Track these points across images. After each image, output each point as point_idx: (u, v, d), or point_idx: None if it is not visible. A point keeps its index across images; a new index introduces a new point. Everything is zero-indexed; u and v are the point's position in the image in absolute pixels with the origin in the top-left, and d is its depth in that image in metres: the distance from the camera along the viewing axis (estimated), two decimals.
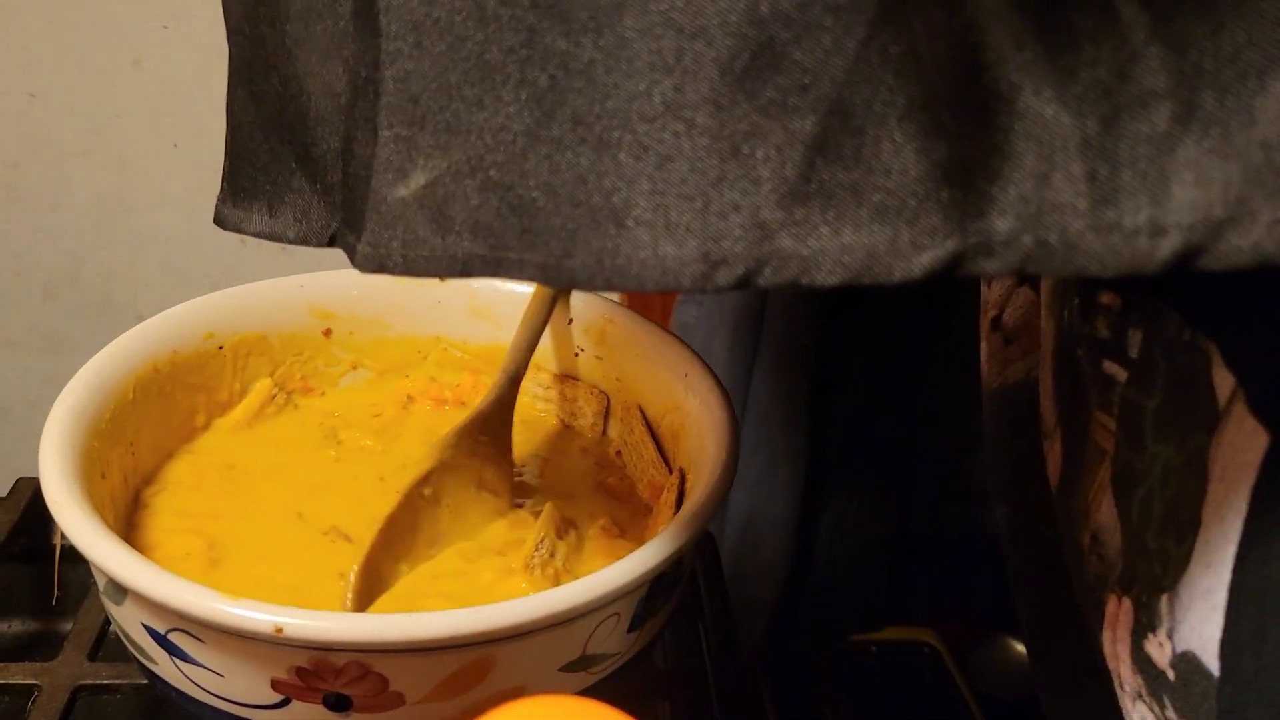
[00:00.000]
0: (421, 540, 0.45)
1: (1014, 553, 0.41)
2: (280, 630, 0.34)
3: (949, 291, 0.93)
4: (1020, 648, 1.04)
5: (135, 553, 0.36)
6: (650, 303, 0.98)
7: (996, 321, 0.43)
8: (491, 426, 0.48)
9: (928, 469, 0.95)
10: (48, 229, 0.95)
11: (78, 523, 0.37)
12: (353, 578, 0.41)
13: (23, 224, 0.95)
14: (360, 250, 0.29)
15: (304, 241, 0.33)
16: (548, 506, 0.46)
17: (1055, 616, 0.37)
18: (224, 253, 0.97)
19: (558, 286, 0.43)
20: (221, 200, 0.35)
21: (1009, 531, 0.41)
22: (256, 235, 0.34)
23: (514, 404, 0.49)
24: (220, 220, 0.35)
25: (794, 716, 0.87)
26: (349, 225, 0.30)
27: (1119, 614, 0.30)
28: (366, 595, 0.41)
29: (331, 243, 0.32)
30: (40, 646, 0.60)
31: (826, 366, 0.93)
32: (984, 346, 0.44)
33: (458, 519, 0.46)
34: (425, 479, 0.45)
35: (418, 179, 0.27)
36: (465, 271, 0.27)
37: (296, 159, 0.33)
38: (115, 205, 0.95)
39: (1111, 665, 0.31)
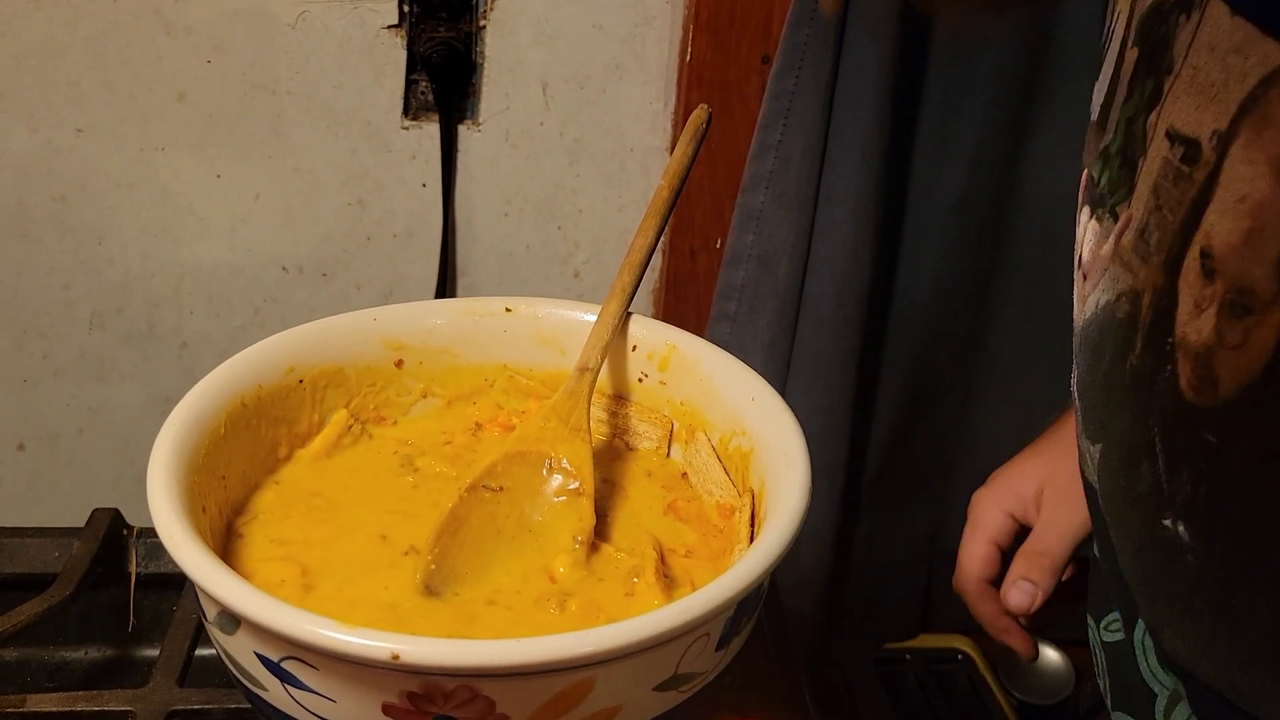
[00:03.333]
0: (489, 529, 0.47)
1: (1108, 483, 0.43)
2: (397, 657, 0.36)
3: (983, 302, 0.95)
4: (1053, 653, 1.06)
5: (251, 585, 0.38)
6: (686, 323, 1.00)
7: (1079, 261, 0.45)
8: (560, 413, 0.50)
9: (962, 481, 0.96)
10: (95, 260, 0.97)
11: (195, 559, 0.39)
12: (421, 573, 0.43)
13: (71, 255, 0.96)
14: None
15: None
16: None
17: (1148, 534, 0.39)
18: (266, 280, 0.99)
19: None
20: None
21: (1104, 463, 0.43)
22: None
23: (588, 394, 0.51)
24: None
25: None
26: None
27: None
28: (434, 580, 0.43)
29: None
30: (120, 672, 0.62)
31: (863, 382, 0.94)
32: (1075, 292, 0.46)
33: (529, 502, 0.48)
34: (489, 472, 0.48)
35: None
36: None
37: None
38: (160, 236, 0.97)
39: None
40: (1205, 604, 0.37)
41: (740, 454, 0.51)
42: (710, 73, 0.93)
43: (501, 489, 0.48)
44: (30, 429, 1.02)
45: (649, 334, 0.55)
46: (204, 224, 0.97)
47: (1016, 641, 0.64)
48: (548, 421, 0.50)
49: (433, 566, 0.45)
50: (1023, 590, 0.60)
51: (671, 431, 0.55)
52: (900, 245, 0.93)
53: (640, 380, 0.55)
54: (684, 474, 0.54)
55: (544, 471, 0.49)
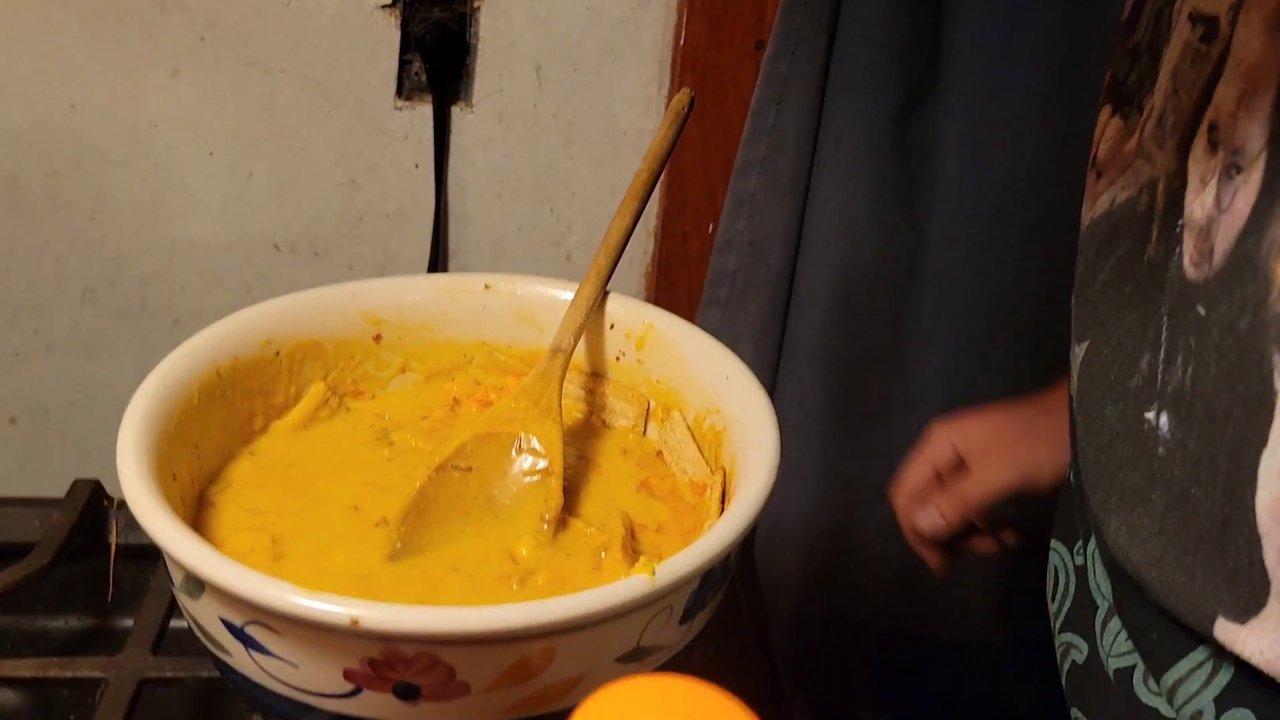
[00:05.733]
0: (456, 509, 0.47)
1: (1089, 378, 0.43)
2: (356, 622, 0.36)
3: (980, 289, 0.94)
4: None
5: (216, 550, 0.38)
6: (677, 308, 1.00)
7: (1094, 160, 0.45)
8: (531, 394, 0.50)
9: None
10: (88, 235, 0.97)
11: (160, 523, 0.39)
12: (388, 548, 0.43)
13: (63, 231, 0.97)
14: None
15: None
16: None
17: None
18: (258, 258, 1.00)
19: None
20: None
21: (1089, 362, 0.43)
22: None
23: (560, 375, 0.51)
24: None
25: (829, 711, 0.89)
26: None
27: None
28: (400, 556, 0.44)
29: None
30: (98, 641, 0.63)
31: (852, 369, 0.94)
32: (1086, 191, 0.46)
33: (497, 483, 0.48)
34: (458, 453, 0.48)
35: None
36: None
37: None
38: (153, 212, 0.97)
39: None
40: (1162, 496, 0.38)
41: (714, 432, 0.51)
42: (704, 57, 0.93)
43: (470, 469, 0.48)
44: (22, 403, 1.03)
45: (627, 313, 0.55)
46: (197, 201, 0.97)
47: (927, 556, 0.67)
48: (519, 402, 0.50)
49: (399, 544, 0.45)
50: (929, 515, 0.64)
51: (648, 410, 0.55)
52: (894, 231, 0.92)
53: (618, 359, 0.56)
54: (659, 452, 0.54)
55: (513, 452, 0.49)
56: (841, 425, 0.95)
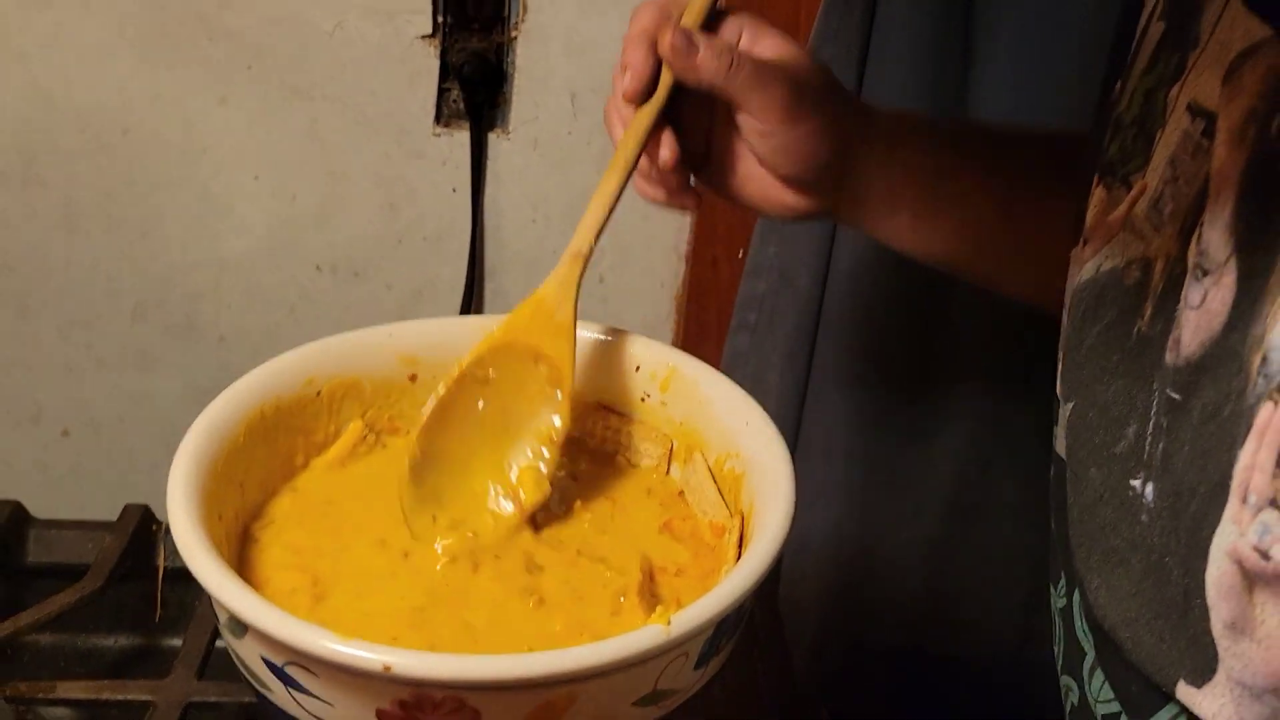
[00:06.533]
0: (471, 419, 0.49)
1: (1075, 439, 0.44)
2: (389, 668, 0.38)
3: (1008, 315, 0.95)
4: None
5: (258, 596, 0.41)
6: (707, 331, 1.02)
7: (1079, 228, 0.46)
8: (547, 305, 0.51)
9: (977, 493, 0.97)
10: (138, 254, 1.01)
11: (208, 568, 0.41)
12: (409, 459, 0.46)
13: (115, 250, 1.00)
14: None
15: None
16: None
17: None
18: (300, 278, 1.03)
19: None
20: None
21: (1075, 423, 0.44)
22: None
23: (577, 282, 0.51)
24: None
25: None
26: None
27: (1272, 421, 0.33)
28: (421, 469, 0.47)
29: None
30: (144, 661, 0.66)
31: (879, 394, 0.96)
32: (1073, 254, 0.47)
33: (512, 395, 0.50)
34: (477, 361, 0.49)
35: None
36: None
37: None
38: (201, 233, 1.00)
39: (1241, 479, 0.34)
40: (1141, 560, 0.39)
41: (733, 476, 0.53)
42: None
43: (488, 380, 0.49)
44: (73, 416, 1.07)
45: (651, 354, 0.57)
46: (242, 222, 1.00)
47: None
48: (536, 312, 0.51)
49: (418, 454, 0.47)
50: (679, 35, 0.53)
51: (671, 450, 0.57)
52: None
53: (643, 400, 0.57)
54: (681, 492, 0.56)
55: (530, 364, 0.50)
56: (867, 448, 0.97)
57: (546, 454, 0.50)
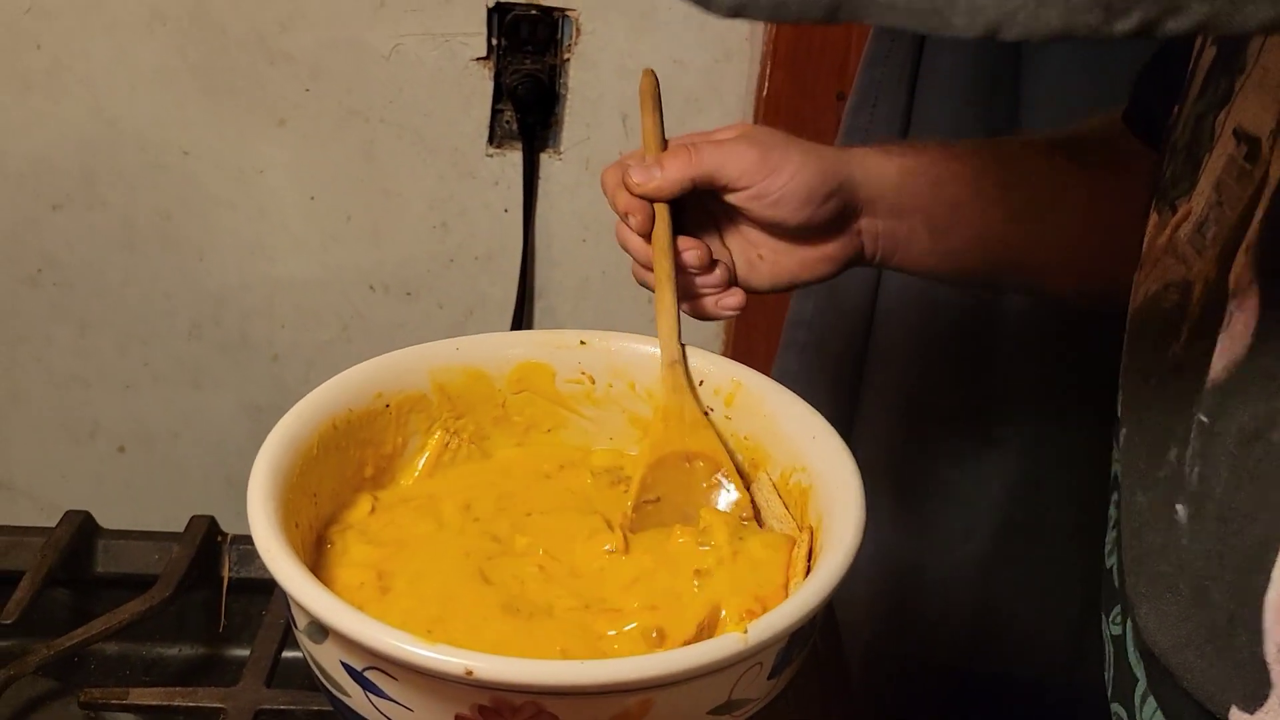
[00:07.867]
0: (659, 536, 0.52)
1: (1127, 464, 0.44)
2: (471, 672, 0.39)
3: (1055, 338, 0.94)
4: None
5: (341, 600, 0.41)
6: (755, 350, 1.03)
7: (1137, 253, 0.46)
8: (674, 412, 0.55)
9: (1023, 510, 0.97)
10: (195, 273, 1.02)
11: (291, 574, 0.42)
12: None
13: (173, 268, 1.02)
14: None
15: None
16: None
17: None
18: (353, 297, 1.04)
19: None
20: None
21: (1127, 447, 0.45)
22: None
23: (688, 384, 0.55)
24: None
25: None
26: None
27: None
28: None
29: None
30: (210, 669, 0.67)
31: (929, 412, 0.95)
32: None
33: (686, 500, 0.53)
34: (642, 488, 0.52)
35: None
36: (831, 15, 0.24)
37: None
38: (256, 252, 1.02)
39: None
40: (1188, 585, 0.39)
41: (800, 490, 0.53)
42: (786, 106, 0.95)
43: (659, 499, 0.52)
44: (130, 432, 1.08)
45: (715, 370, 0.57)
46: (297, 242, 1.02)
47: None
48: (667, 425, 0.54)
49: None
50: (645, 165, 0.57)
51: (737, 466, 0.57)
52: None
53: (708, 414, 0.58)
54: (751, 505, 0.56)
55: (685, 466, 0.53)
56: (917, 466, 0.97)
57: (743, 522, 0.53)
